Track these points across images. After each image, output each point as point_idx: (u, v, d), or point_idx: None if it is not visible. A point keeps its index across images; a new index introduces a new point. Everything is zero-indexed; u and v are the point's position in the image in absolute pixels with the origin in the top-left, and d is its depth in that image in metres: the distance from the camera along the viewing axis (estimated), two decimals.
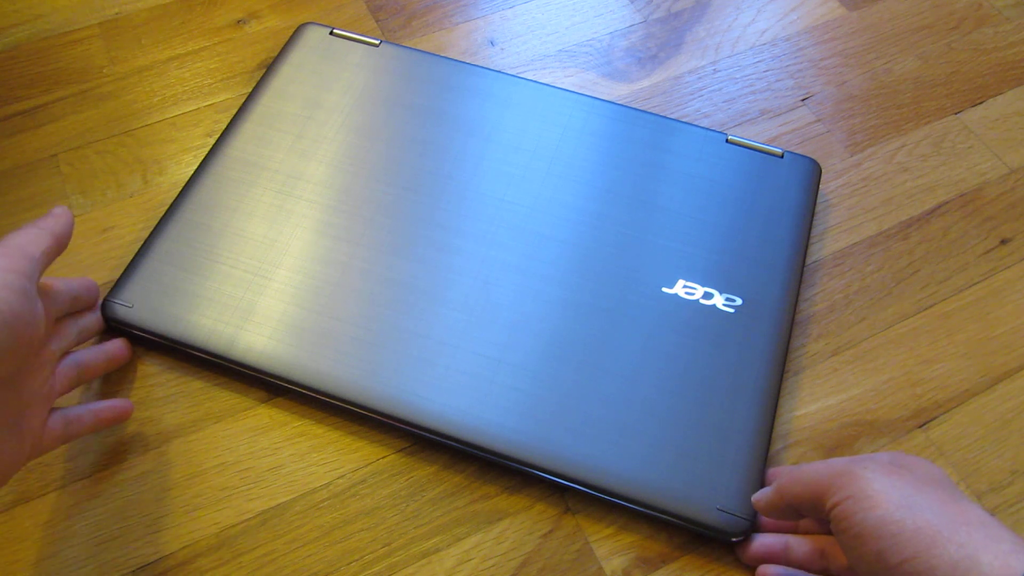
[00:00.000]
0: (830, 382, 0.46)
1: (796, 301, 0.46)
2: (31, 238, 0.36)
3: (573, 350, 0.44)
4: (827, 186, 0.54)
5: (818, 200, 0.52)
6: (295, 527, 0.42)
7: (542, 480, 0.42)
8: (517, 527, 0.42)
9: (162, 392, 0.45)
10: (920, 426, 0.45)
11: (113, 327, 0.45)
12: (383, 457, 0.44)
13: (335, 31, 0.57)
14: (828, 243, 0.51)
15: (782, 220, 0.48)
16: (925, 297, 0.49)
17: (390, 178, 0.49)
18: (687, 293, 0.45)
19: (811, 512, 0.34)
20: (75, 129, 0.57)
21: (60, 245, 0.38)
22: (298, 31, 0.57)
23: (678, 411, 0.42)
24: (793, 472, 0.36)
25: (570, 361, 0.43)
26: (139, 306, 0.45)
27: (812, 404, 0.45)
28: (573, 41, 0.62)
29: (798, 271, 0.47)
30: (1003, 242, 0.51)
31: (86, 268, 0.51)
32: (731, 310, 0.45)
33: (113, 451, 0.43)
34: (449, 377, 0.43)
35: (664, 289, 0.45)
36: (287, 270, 0.46)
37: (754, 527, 0.39)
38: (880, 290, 0.50)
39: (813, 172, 0.51)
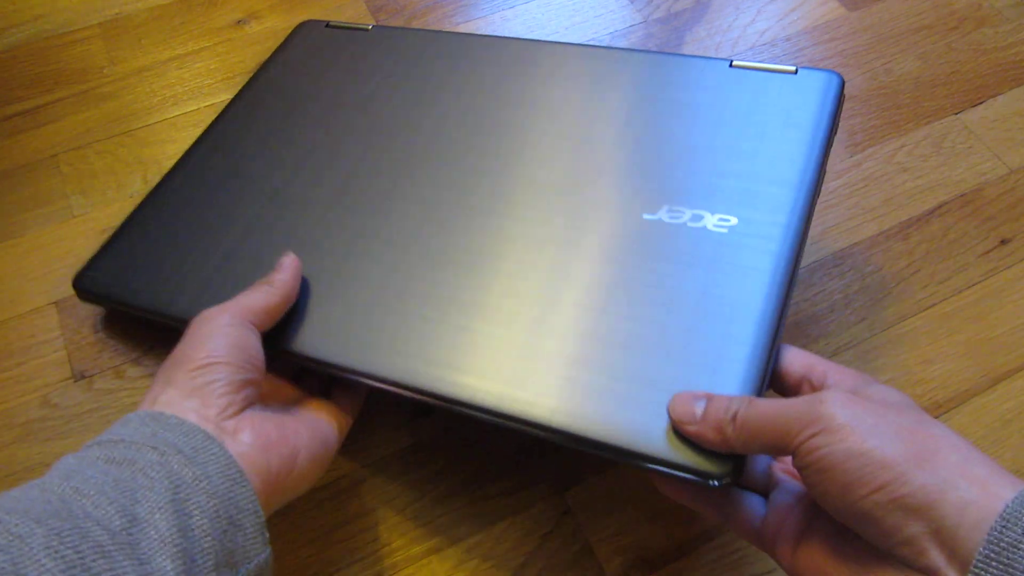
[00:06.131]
0: None
1: (807, 219, 0.39)
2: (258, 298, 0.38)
3: (534, 285, 0.39)
4: (827, 185, 0.54)
5: (837, 134, 0.45)
6: (295, 527, 0.42)
7: (518, 433, 0.37)
8: (517, 527, 0.42)
9: None
10: None
11: (85, 299, 0.45)
12: (383, 457, 0.44)
13: (331, 23, 0.57)
14: (828, 243, 0.51)
15: (792, 135, 0.42)
16: (925, 297, 0.49)
17: (380, 154, 0.48)
18: (672, 217, 0.40)
19: (772, 451, 0.31)
20: (75, 129, 0.57)
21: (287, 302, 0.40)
22: (296, 29, 0.57)
23: (658, 342, 0.37)
24: (753, 409, 0.31)
25: (527, 297, 0.39)
26: (115, 279, 0.45)
27: None
28: (573, 41, 0.62)
29: (809, 186, 0.40)
30: (1003, 242, 0.51)
31: None
32: (724, 230, 0.39)
33: None
34: (414, 326, 0.39)
35: (645, 216, 0.41)
36: (271, 245, 0.44)
37: (739, 469, 0.33)
38: (880, 290, 0.50)
39: (833, 85, 0.44)
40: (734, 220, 0.39)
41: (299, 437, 0.35)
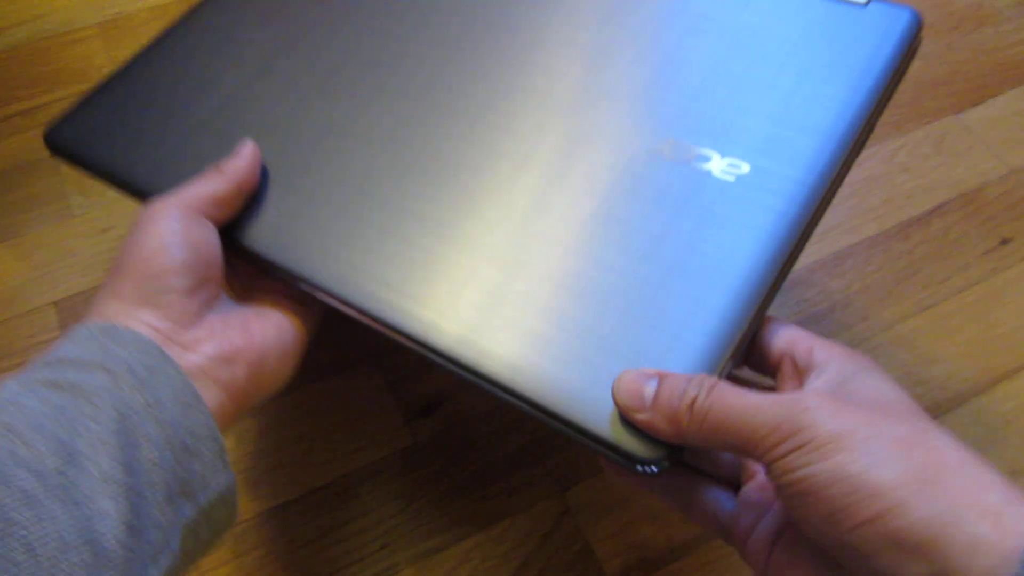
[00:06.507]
0: None
1: (833, 180, 0.34)
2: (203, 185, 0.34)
3: (506, 210, 0.35)
4: None
5: (899, 83, 0.39)
6: (295, 527, 0.41)
7: (457, 376, 0.33)
8: (517, 527, 0.42)
9: None
10: None
11: (55, 154, 0.43)
12: (383, 457, 0.44)
13: None
14: (828, 243, 0.51)
15: (839, 78, 0.36)
16: (925, 297, 0.49)
17: (378, 41, 0.44)
18: (676, 154, 0.35)
19: (738, 454, 0.26)
20: None
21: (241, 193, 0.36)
22: None
23: (621, 295, 0.32)
24: (717, 400, 0.26)
25: (496, 222, 0.35)
26: (84, 137, 0.43)
27: None
28: None
29: (842, 141, 0.34)
30: (1003, 242, 0.51)
31: (84, 268, 0.51)
32: (730, 178, 0.34)
33: None
34: (373, 239, 0.36)
35: (646, 148, 0.36)
36: (243, 125, 0.41)
37: (675, 455, 0.28)
38: (880, 290, 0.50)
39: (900, 25, 0.38)
40: (746, 167, 0.34)
41: (266, 337, 0.32)
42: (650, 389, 0.27)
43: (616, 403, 0.28)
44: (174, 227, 0.32)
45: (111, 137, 0.43)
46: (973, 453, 0.24)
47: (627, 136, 0.36)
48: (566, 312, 0.32)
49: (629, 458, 0.28)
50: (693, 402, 0.26)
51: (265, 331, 0.33)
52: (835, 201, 0.54)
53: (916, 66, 0.61)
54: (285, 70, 0.43)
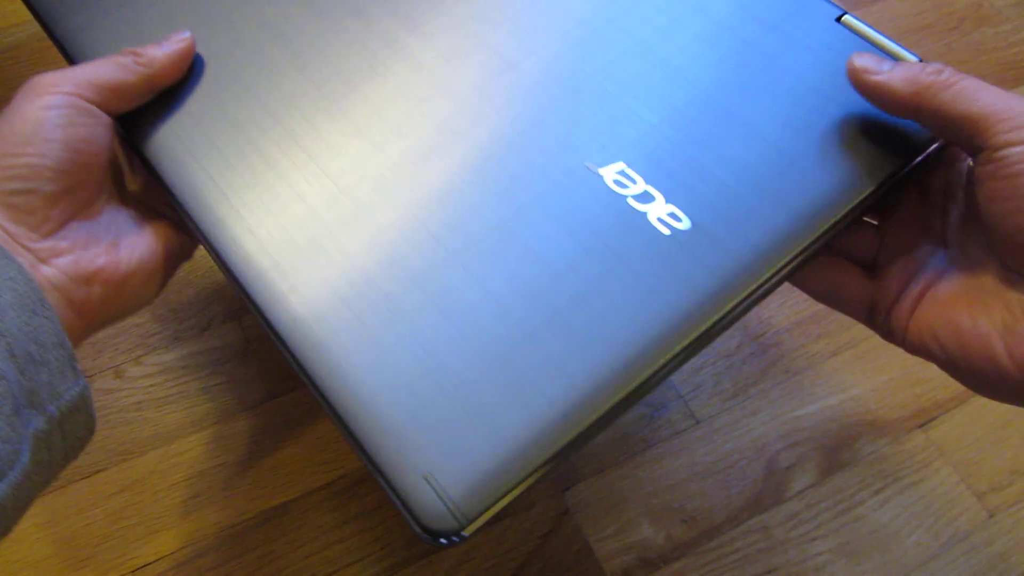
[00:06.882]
0: (830, 382, 0.46)
1: (787, 266, 0.27)
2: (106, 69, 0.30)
3: (421, 192, 0.30)
4: None
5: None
6: (295, 527, 0.42)
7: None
8: (517, 527, 0.42)
9: (162, 392, 0.45)
10: (920, 426, 0.45)
11: None
12: None
13: None
14: None
15: (850, 157, 0.30)
16: None
17: None
18: (616, 182, 0.29)
19: (953, 132, 0.26)
20: None
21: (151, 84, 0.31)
22: None
23: (487, 325, 0.27)
24: (968, 83, 0.25)
25: (378, 181, 0.30)
26: None
27: (812, 404, 0.45)
28: None
29: (814, 236, 0.28)
30: None
31: None
32: (665, 230, 0.28)
33: (113, 451, 0.43)
34: (254, 172, 0.31)
35: (587, 164, 0.30)
36: (195, 8, 0.35)
37: (463, 530, 0.24)
38: None
39: None
40: (685, 223, 0.28)
41: (133, 258, 0.30)
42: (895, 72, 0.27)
43: (851, 67, 0.27)
44: (56, 118, 0.28)
45: None
46: None
47: (576, 145, 0.30)
48: (411, 320, 0.27)
49: (415, 516, 0.24)
50: (941, 72, 0.26)
51: (134, 251, 0.30)
52: None
53: None
54: None
